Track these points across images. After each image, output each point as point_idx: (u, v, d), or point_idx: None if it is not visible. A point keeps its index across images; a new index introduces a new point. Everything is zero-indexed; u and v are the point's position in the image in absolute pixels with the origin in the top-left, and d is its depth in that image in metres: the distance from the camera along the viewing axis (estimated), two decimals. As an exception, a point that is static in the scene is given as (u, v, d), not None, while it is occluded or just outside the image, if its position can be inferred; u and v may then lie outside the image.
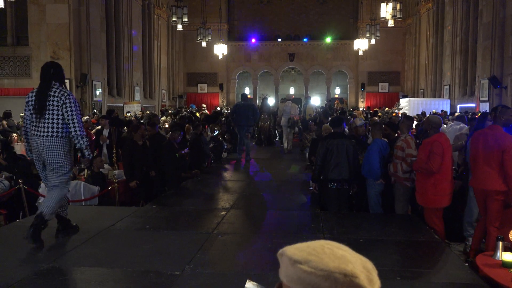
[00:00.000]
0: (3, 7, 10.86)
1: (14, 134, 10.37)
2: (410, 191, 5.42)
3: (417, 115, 14.78)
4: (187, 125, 9.41)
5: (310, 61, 28.21)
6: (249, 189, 7.36)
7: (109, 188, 6.28)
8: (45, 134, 4.01)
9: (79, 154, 4.60)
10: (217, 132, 11.32)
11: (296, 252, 0.83)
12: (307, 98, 21.96)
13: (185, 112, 15.57)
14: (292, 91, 30.55)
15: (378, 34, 20.68)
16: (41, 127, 4.03)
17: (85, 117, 10.49)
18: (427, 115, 10.12)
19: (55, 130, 4.01)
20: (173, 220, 5.17)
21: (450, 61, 19.76)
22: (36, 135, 4.06)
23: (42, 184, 5.88)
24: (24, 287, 3.20)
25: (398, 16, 16.09)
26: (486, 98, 15.12)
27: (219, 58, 24.79)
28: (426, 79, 23.05)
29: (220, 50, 23.60)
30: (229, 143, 12.00)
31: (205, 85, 28.63)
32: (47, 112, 4.02)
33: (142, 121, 10.72)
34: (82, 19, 15.69)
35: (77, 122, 4.04)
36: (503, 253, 3.59)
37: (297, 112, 12.87)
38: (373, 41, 21.04)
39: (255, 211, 5.93)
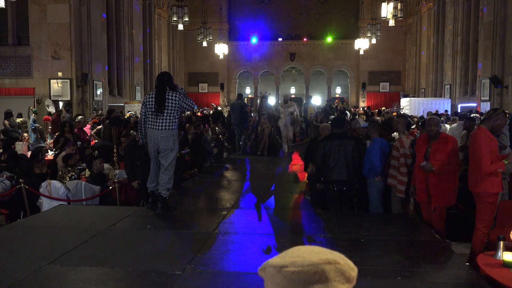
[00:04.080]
0: (4, 7, 10.86)
1: (25, 134, 10.41)
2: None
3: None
4: (187, 125, 9.41)
5: (311, 61, 28.21)
6: (250, 188, 7.35)
7: (110, 187, 6.28)
8: (162, 128, 5.07)
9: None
10: (217, 131, 11.33)
11: (279, 260, 0.86)
12: (309, 97, 21.97)
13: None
14: (293, 90, 30.53)
15: (379, 34, 20.69)
16: (158, 123, 5.07)
17: (79, 117, 10.53)
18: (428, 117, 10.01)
19: (169, 124, 5.08)
20: (174, 219, 5.17)
21: (451, 61, 19.75)
22: (154, 128, 5.10)
23: (43, 184, 5.89)
24: (24, 287, 3.20)
25: (399, 15, 16.11)
26: (487, 98, 15.12)
27: (220, 58, 24.83)
28: (427, 79, 23.04)
29: (221, 49, 23.62)
30: (229, 143, 12.00)
31: (206, 84, 28.67)
32: (164, 111, 5.04)
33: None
34: (83, 19, 15.71)
35: (189, 101, 5.21)
36: (504, 253, 3.58)
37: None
38: (374, 41, 21.05)
39: (256, 210, 5.92)
